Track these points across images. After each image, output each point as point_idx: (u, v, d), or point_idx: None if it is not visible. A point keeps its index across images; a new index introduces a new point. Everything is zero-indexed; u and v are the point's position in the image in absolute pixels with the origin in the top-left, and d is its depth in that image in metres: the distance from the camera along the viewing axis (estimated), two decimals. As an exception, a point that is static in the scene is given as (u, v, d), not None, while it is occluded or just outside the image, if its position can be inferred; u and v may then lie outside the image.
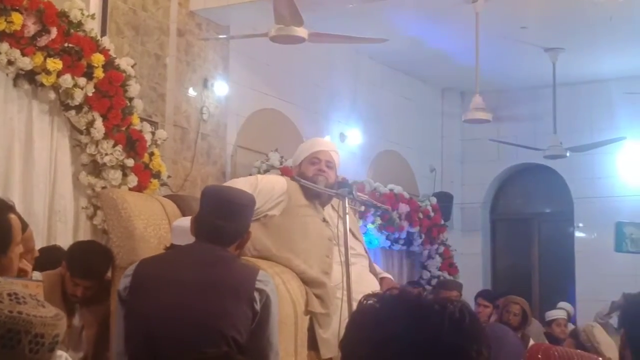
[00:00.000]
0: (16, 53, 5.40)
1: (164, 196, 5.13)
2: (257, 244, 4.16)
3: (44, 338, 1.63)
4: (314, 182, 4.41)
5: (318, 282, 4.18)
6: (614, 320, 8.37)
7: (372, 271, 4.56)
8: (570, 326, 8.83)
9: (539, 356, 2.39)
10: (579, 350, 2.74)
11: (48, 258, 4.48)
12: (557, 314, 8.87)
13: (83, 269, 4.42)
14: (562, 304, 9.19)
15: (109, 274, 4.40)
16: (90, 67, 5.78)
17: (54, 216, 5.79)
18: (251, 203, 3.68)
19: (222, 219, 3.49)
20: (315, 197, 4.46)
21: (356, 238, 4.54)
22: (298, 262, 4.22)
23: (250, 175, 7.24)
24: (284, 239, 4.25)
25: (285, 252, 4.23)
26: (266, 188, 4.12)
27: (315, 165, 4.51)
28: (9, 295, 1.64)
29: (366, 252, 4.63)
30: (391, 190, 9.60)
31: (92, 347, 4.44)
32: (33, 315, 1.63)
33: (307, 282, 4.18)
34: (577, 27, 8.86)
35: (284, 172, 7.37)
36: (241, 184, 4.21)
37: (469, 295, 9.01)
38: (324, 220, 4.42)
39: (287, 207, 4.32)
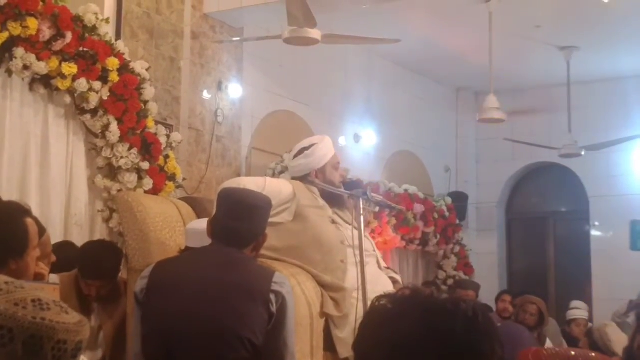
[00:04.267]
0: (32, 58, 5.43)
1: (179, 199, 5.15)
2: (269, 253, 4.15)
3: (67, 344, 1.65)
4: (339, 188, 4.44)
5: (335, 286, 4.18)
6: (631, 320, 8.34)
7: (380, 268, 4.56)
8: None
9: (530, 358, 2.41)
10: (571, 349, 2.75)
11: (60, 254, 4.51)
12: (577, 314, 8.84)
13: (92, 269, 4.46)
14: (575, 302, 9.15)
15: (124, 275, 4.43)
16: (105, 71, 5.81)
17: (70, 219, 5.82)
18: (267, 205, 3.68)
19: (238, 220, 3.50)
20: (327, 199, 4.46)
21: (366, 236, 4.54)
22: (310, 269, 4.22)
23: (266, 176, 7.27)
24: (298, 250, 4.25)
25: (299, 261, 4.22)
26: (274, 191, 4.07)
27: (338, 170, 4.53)
28: (33, 301, 1.65)
29: (374, 248, 4.63)
30: (406, 190, 9.59)
31: (110, 347, 4.47)
32: (56, 322, 1.64)
33: (323, 285, 4.18)
34: (592, 25, 8.84)
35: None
36: (249, 183, 4.21)
37: (485, 295, 9.01)
38: (333, 222, 4.42)
39: (297, 210, 4.31)
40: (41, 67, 5.48)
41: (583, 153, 9.80)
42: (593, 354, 2.49)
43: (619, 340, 5.49)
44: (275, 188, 4.22)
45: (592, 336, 5.74)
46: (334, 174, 4.52)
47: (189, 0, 7.60)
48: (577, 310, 8.91)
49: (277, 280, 3.47)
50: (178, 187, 6.34)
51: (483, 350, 1.55)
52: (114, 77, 5.84)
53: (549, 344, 6.95)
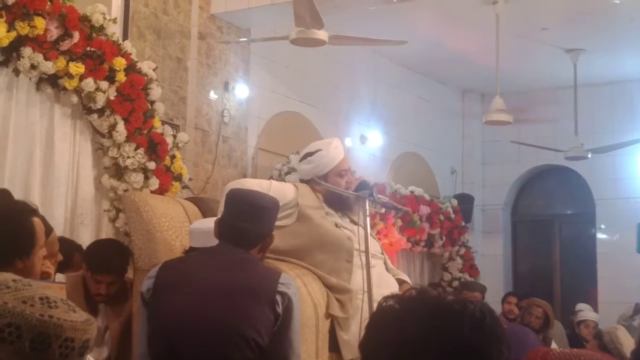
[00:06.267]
0: (39, 57, 5.44)
1: (186, 199, 5.15)
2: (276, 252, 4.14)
3: (74, 342, 1.65)
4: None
5: (341, 287, 4.17)
6: (637, 323, 8.33)
7: (388, 270, 4.54)
8: (594, 327, 8.79)
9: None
10: (580, 350, 2.73)
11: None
12: (588, 315, 8.82)
13: (103, 264, 4.47)
14: (581, 305, 9.13)
15: (130, 274, 4.44)
16: (112, 70, 5.81)
17: (76, 219, 5.83)
18: (275, 206, 3.68)
19: (245, 221, 3.50)
20: (332, 204, 4.44)
21: (373, 237, 4.53)
22: (316, 270, 4.21)
23: (272, 178, 7.28)
24: (302, 251, 4.24)
25: (304, 262, 4.22)
26: (278, 195, 4.00)
27: (343, 177, 4.48)
28: (41, 299, 1.66)
29: (382, 251, 4.61)
30: (412, 192, 9.59)
31: (116, 347, 4.48)
32: (64, 320, 1.65)
33: (329, 286, 4.18)
34: (598, 28, 8.83)
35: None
36: (254, 185, 4.20)
37: (490, 297, 9.00)
38: (336, 225, 4.40)
39: (300, 212, 4.30)
40: (48, 67, 5.48)
41: (589, 156, 9.79)
42: (602, 356, 2.47)
43: (630, 343, 5.46)
44: (279, 191, 4.21)
45: (602, 339, 5.70)
46: (337, 181, 4.44)
47: (196, 0, 7.61)
48: (589, 312, 8.89)
49: (284, 281, 3.47)
50: (184, 187, 6.34)
51: (490, 352, 1.55)
52: (121, 77, 5.84)
53: (554, 346, 6.94)
